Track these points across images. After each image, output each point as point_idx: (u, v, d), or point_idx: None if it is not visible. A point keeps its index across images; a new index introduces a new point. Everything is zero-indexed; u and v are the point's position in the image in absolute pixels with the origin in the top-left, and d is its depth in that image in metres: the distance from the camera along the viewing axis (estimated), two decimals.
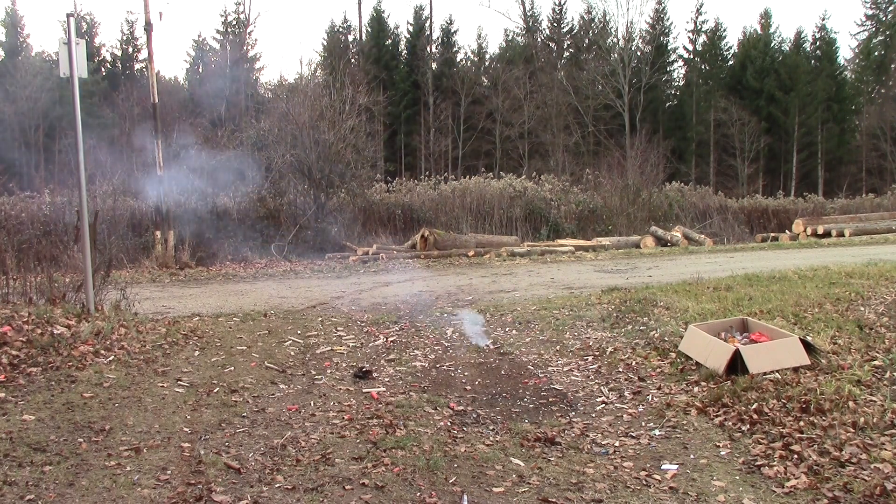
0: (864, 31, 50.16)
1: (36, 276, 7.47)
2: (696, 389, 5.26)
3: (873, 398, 4.65)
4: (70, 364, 5.45)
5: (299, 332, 7.61)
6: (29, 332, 5.83)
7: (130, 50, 48.07)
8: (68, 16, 7.23)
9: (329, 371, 6.13)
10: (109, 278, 8.20)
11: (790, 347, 5.39)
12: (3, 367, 5.15)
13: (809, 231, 21.90)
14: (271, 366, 6.19)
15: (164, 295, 10.94)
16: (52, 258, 8.70)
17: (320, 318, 8.47)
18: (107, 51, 48.20)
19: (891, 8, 48.19)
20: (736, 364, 5.31)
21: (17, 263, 7.68)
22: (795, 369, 5.24)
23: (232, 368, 6.02)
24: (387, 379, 5.92)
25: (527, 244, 18.20)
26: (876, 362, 5.36)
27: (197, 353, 6.45)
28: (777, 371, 5.19)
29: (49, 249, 9.36)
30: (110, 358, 5.80)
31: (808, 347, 5.44)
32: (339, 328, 7.87)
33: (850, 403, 4.54)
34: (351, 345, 7.08)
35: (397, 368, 6.24)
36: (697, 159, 46.28)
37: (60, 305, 6.85)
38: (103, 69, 46.15)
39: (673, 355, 6.06)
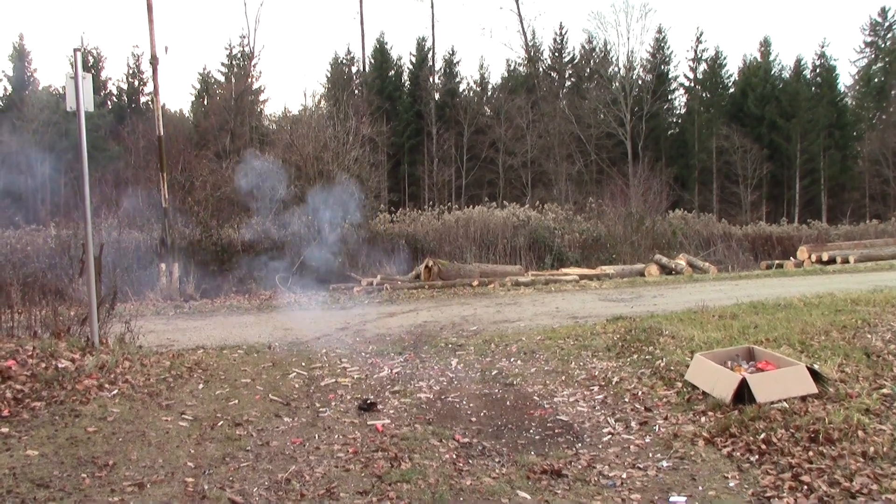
0: (863, 57, 50.56)
1: (41, 309, 7.48)
2: (703, 419, 5.22)
3: (883, 427, 4.60)
4: (74, 398, 5.44)
5: (303, 364, 7.59)
6: (33, 365, 5.82)
7: (136, 83, 48.64)
8: (75, 50, 7.32)
9: (333, 403, 6.10)
10: (114, 311, 8.20)
11: (797, 376, 5.35)
12: (7, 402, 5.14)
13: (814, 258, 21.87)
14: (275, 398, 6.16)
15: (169, 327, 10.94)
16: (57, 291, 8.73)
17: (325, 350, 8.45)
18: (113, 84, 48.83)
19: (889, 35, 48.59)
20: (743, 393, 5.27)
21: (23, 297, 7.69)
22: (803, 398, 5.20)
23: (236, 401, 5.99)
24: (391, 411, 5.88)
25: (531, 273, 18.18)
26: (884, 390, 5.32)
27: (201, 386, 6.43)
28: (784, 400, 5.14)
29: (54, 282, 9.39)
30: (114, 392, 5.78)
31: (816, 376, 5.40)
32: (343, 360, 7.85)
33: (860, 433, 4.49)
34: (355, 376, 7.05)
35: (402, 400, 6.21)
36: (700, 187, 46.40)
37: (65, 339, 6.85)
38: (109, 102, 46.68)
39: (679, 385, 6.02)
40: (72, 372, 5.91)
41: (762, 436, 4.64)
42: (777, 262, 22.76)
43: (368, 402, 6.00)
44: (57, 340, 6.70)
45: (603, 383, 6.50)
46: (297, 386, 6.68)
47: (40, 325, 7.24)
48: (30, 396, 5.31)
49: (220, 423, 5.35)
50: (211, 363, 7.36)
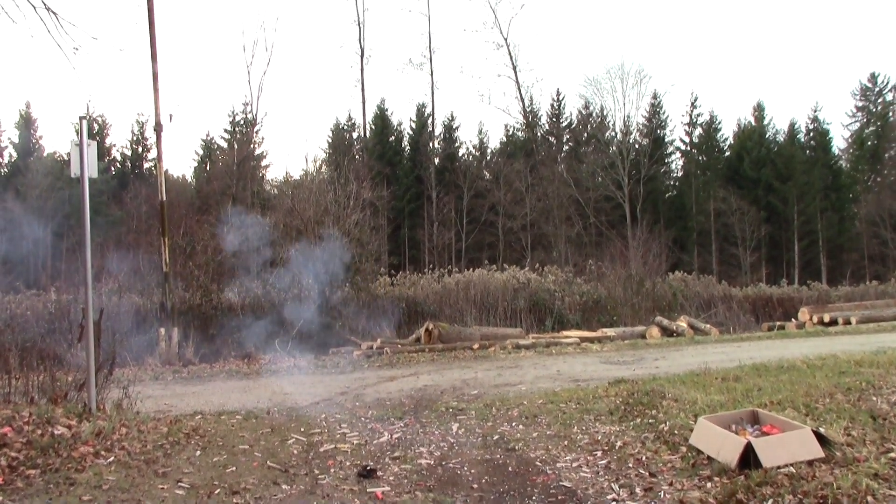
0: (855, 121, 51.51)
1: (39, 374, 7.43)
2: (709, 485, 5.13)
3: (892, 492, 4.52)
4: (69, 466, 5.35)
5: (302, 429, 7.49)
6: (29, 432, 5.75)
7: (140, 150, 49.37)
8: (81, 118, 7.46)
9: (332, 470, 6.00)
10: (112, 376, 8.14)
11: (803, 440, 5.28)
12: (1, 470, 5.06)
13: (816, 319, 21.80)
14: (274, 465, 6.06)
15: (167, 393, 10.84)
16: (55, 356, 8.67)
17: (324, 415, 8.35)
18: (117, 151, 49.53)
19: (880, 100, 49.59)
20: (749, 458, 5.19)
21: (21, 362, 7.65)
22: (810, 462, 5.12)
23: (234, 468, 5.90)
24: (391, 478, 5.78)
25: (532, 336, 18.10)
26: (892, 454, 5.23)
27: (198, 452, 6.34)
28: (791, 464, 5.06)
29: (53, 347, 9.33)
30: (110, 459, 5.70)
31: (822, 439, 5.32)
32: (342, 425, 7.75)
33: (869, 498, 4.41)
34: (355, 442, 6.95)
35: (402, 466, 6.11)
36: (699, 248, 46.62)
37: (62, 405, 6.79)
38: (113, 168, 47.25)
39: (684, 449, 5.93)
40: (68, 439, 5.83)
41: (770, 502, 4.56)
42: (778, 323, 22.70)
43: (368, 468, 5.90)
44: (54, 406, 6.64)
45: (606, 448, 6.41)
46: (295, 452, 6.58)
47: (37, 390, 7.18)
48: (25, 464, 5.23)
49: (217, 491, 5.25)
50: (209, 429, 7.27)
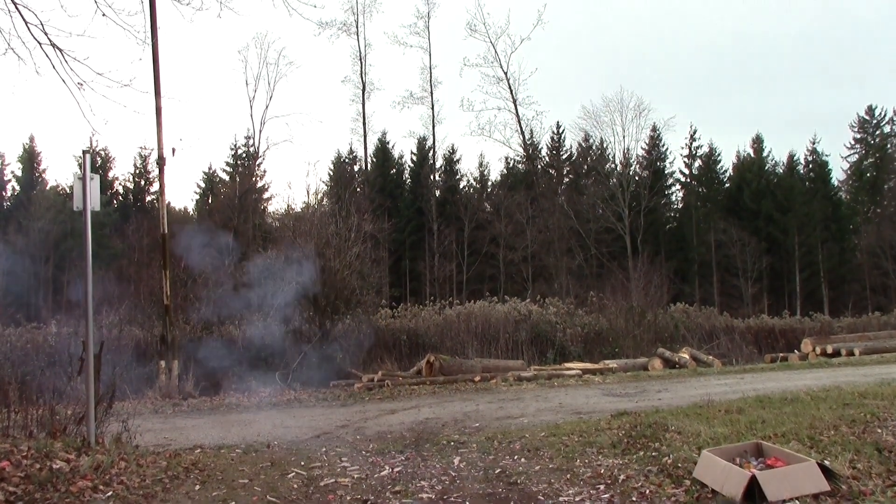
0: (854, 153, 51.83)
1: (38, 408, 7.39)
2: None
3: None
4: (67, 500, 5.30)
5: (303, 463, 7.43)
6: (27, 466, 5.71)
7: (143, 182, 49.66)
8: (84, 152, 7.53)
9: None
10: (112, 410, 8.10)
11: (808, 473, 5.23)
12: None
13: (818, 350, 21.71)
14: (273, 499, 6.01)
15: (167, 426, 10.77)
16: (54, 390, 8.64)
17: (324, 448, 8.29)
18: (120, 184, 49.81)
19: (878, 132, 49.94)
20: (753, 491, 5.14)
21: (20, 395, 7.62)
22: (816, 496, 5.06)
23: (233, 503, 5.84)
24: None
25: (533, 368, 17.99)
26: None
27: (198, 487, 6.28)
28: (797, 498, 5.01)
29: (52, 381, 9.30)
30: (108, 493, 5.64)
31: (827, 472, 5.27)
32: (343, 458, 7.69)
33: None
34: (356, 476, 6.89)
35: (403, 501, 6.04)
36: (700, 280, 46.61)
37: (61, 439, 6.75)
38: (115, 201, 47.48)
39: (687, 482, 5.87)
40: (66, 473, 5.79)
41: None
42: (781, 355, 22.57)
43: (368, 503, 5.84)
44: (53, 440, 6.60)
45: (609, 481, 6.34)
46: (295, 486, 6.52)
47: (36, 424, 7.13)
48: (22, 499, 5.18)
49: None
50: (208, 463, 7.21)
